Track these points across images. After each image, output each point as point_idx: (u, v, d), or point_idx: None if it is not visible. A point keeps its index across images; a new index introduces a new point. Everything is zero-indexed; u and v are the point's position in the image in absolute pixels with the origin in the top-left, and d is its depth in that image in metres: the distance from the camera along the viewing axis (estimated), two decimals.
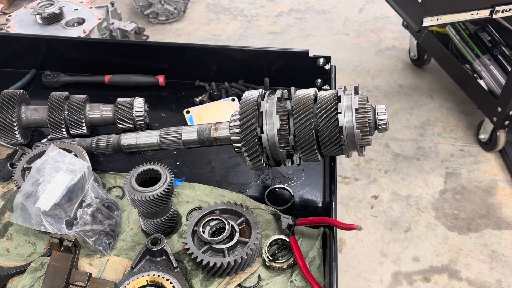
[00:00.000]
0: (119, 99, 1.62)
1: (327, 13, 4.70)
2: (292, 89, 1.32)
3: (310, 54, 1.75)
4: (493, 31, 3.22)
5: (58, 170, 1.24)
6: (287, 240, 1.28)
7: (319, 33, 4.42)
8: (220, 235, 1.22)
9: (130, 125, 1.61)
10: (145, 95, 1.69)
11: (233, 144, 1.33)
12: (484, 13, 2.38)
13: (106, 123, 1.63)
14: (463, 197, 2.91)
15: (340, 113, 1.19)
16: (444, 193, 2.94)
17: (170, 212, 1.29)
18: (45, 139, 1.64)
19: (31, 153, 1.36)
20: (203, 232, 1.23)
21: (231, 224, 1.25)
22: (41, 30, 3.01)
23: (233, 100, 1.77)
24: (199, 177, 1.53)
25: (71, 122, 1.58)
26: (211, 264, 1.17)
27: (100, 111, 1.61)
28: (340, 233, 2.62)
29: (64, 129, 1.57)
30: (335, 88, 1.64)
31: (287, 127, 1.25)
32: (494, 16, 2.40)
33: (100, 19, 3.14)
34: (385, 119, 1.22)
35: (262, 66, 1.82)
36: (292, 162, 1.30)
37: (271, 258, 1.24)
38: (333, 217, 1.23)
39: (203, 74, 1.88)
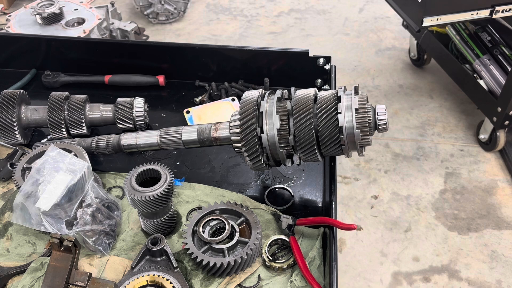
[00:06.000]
0: (119, 99, 1.62)
1: (327, 13, 4.70)
2: (292, 89, 1.32)
3: (310, 54, 1.75)
4: (493, 31, 3.22)
5: (58, 170, 1.24)
6: (287, 240, 1.28)
7: (319, 33, 4.42)
8: (220, 235, 1.22)
9: (130, 125, 1.61)
10: (145, 95, 1.69)
11: (233, 144, 1.33)
12: (484, 13, 2.38)
13: (106, 123, 1.63)
14: (463, 197, 2.91)
15: (340, 113, 1.19)
16: (444, 193, 2.94)
17: (170, 212, 1.29)
18: (45, 139, 1.64)
19: (31, 153, 1.36)
20: (203, 232, 1.23)
21: (231, 224, 1.25)
22: (41, 30, 3.01)
23: (233, 100, 1.77)
24: (199, 177, 1.53)
25: (71, 122, 1.58)
26: (211, 264, 1.17)
27: (100, 111, 1.61)
28: (340, 233, 2.62)
29: (64, 129, 1.57)
30: (335, 88, 1.64)
31: (287, 127, 1.25)
32: (494, 16, 2.39)
33: (100, 19, 3.14)
34: (385, 119, 1.22)
35: (262, 66, 1.82)
36: (292, 162, 1.30)
37: (271, 258, 1.24)
38: (333, 217, 1.23)
39: (203, 74, 1.88)
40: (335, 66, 1.75)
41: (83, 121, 1.58)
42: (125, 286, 1.13)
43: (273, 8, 4.80)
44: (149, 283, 1.15)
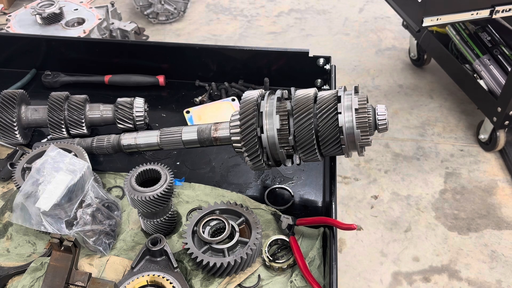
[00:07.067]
0: (119, 99, 1.62)
1: (327, 13, 4.71)
2: (292, 89, 1.32)
3: (310, 54, 1.75)
4: (493, 31, 3.22)
5: (58, 170, 1.24)
6: (287, 240, 1.28)
7: (319, 33, 4.42)
8: (220, 235, 1.22)
9: (130, 125, 1.61)
10: (145, 95, 1.70)
11: (233, 144, 1.33)
12: (484, 13, 2.38)
13: (106, 123, 1.63)
14: (463, 197, 2.91)
15: (340, 113, 1.19)
16: (444, 193, 2.94)
17: (170, 212, 1.29)
18: (45, 139, 1.64)
19: (31, 153, 1.36)
20: (203, 232, 1.23)
21: (231, 224, 1.25)
22: (41, 30, 3.01)
23: (233, 100, 1.77)
24: (199, 177, 1.53)
25: (71, 122, 1.58)
26: (211, 264, 1.17)
27: (100, 111, 1.61)
28: (340, 233, 2.62)
29: (64, 129, 1.57)
30: (335, 88, 1.64)
31: (287, 127, 1.25)
32: (494, 16, 2.40)
33: (100, 19, 3.14)
34: (385, 119, 1.22)
35: (262, 66, 1.82)
36: (292, 162, 1.30)
37: (271, 258, 1.24)
38: (333, 217, 1.23)
39: (203, 74, 1.88)
40: (335, 66, 1.75)
41: (83, 121, 1.58)
42: (125, 286, 1.13)
43: (273, 8, 4.80)
44: (149, 283, 1.15)
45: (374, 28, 4.45)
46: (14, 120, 1.53)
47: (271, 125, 1.25)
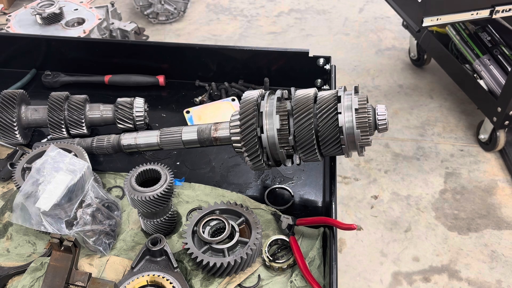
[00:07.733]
0: (119, 99, 1.62)
1: (327, 13, 4.70)
2: (292, 89, 1.32)
3: (310, 54, 1.75)
4: (493, 31, 3.22)
5: (58, 170, 1.24)
6: (287, 240, 1.28)
7: (319, 33, 4.42)
8: (220, 235, 1.22)
9: (130, 125, 1.61)
10: (145, 95, 1.70)
11: (233, 144, 1.33)
12: (484, 13, 2.38)
13: (106, 123, 1.63)
14: (463, 197, 2.91)
15: (340, 113, 1.19)
16: (444, 193, 2.94)
17: (170, 212, 1.29)
18: (45, 139, 1.64)
19: (31, 153, 1.36)
20: (203, 232, 1.23)
21: (231, 224, 1.25)
22: (41, 30, 3.01)
23: (233, 100, 1.77)
24: (199, 177, 1.53)
25: (71, 122, 1.58)
26: (211, 264, 1.17)
27: (100, 111, 1.61)
28: (340, 233, 2.62)
29: (64, 129, 1.57)
30: (335, 88, 1.64)
31: (287, 127, 1.25)
32: (494, 16, 2.40)
33: (100, 19, 3.14)
34: (385, 119, 1.22)
35: (262, 66, 1.82)
36: (292, 162, 1.30)
37: (271, 258, 1.24)
38: (333, 217, 1.23)
39: (203, 74, 1.88)
40: (335, 66, 1.75)
41: (83, 121, 1.58)
42: (125, 286, 1.13)
43: (273, 8, 4.80)
44: (149, 283, 1.15)
45: (374, 28, 4.45)
46: (14, 120, 1.53)
47: (271, 125, 1.25)
